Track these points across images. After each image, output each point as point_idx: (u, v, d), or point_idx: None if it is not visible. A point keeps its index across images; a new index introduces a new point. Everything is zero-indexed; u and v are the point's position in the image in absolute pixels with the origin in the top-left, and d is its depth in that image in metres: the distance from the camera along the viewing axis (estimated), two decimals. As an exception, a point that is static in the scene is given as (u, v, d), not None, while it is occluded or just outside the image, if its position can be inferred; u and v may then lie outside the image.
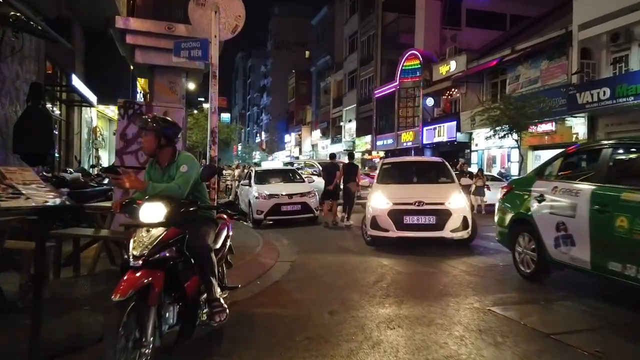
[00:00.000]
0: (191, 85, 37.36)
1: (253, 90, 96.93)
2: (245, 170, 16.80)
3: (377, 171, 10.23)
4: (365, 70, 40.04)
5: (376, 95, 36.68)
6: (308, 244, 9.40)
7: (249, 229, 10.64)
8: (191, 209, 3.53)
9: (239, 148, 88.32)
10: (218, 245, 4.09)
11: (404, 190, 8.95)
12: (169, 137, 3.84)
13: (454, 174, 9.95)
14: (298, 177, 14.12)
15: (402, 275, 6.53)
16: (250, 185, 13.32)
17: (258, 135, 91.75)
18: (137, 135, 6.63)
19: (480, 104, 25.15)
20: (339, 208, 12.70)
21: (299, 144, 60.69)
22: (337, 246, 9.24)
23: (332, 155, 14.01)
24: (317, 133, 53.71)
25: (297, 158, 47.51)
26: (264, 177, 13.81)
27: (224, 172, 19.23)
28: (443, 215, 8.21)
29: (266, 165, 16.54)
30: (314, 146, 54.66)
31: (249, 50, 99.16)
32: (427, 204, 8.25)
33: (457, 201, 8.45)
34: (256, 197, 12.37)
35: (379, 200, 8.70)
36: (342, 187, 12.37)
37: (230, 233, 4.42)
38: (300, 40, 74.21)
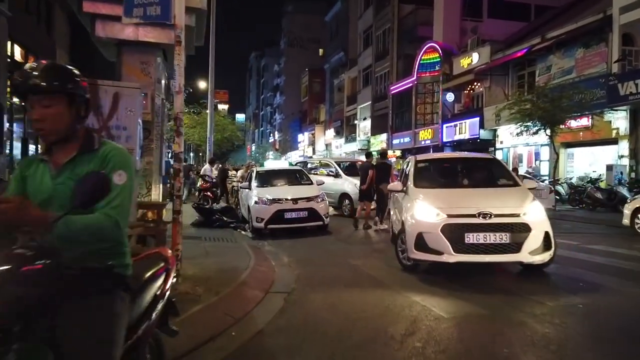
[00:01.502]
0: (202, 84, 36.10)
1: (266, 89, 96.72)
2: (249, 171, 15.05)
3: (409, 170, 7.86)
4: (381, 65, 38.22)
5: (392, 92, 34.84)
6: (314, 263, 7.56)
7: (242, 243, 8.88)
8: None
9: (253, 148, 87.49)
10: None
11: (456, 197, 6.81)
12: (81, 101, 2.11)
13: (514, 174, 7.97)
14: (305, 178, 12.32)
15: (445, 325, 4.45)
16: (250, 188, 11.61)
17: (271, 135, 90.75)
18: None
19: (506, 98, 23.27)
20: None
21: (312, 143, 59.14)
22: (352, 269, 7.10)
23: (368, 154, 12.72)
24: (330, 132, 52.07)
25: (311, 157, 45.85)
26: (265, 178, 12.06)
27: (229, 173, 17.56)
28: (519, 231, 6.04)
29: (270, 165, 14.38)
30: (327, 145, 53.00)
31: (262, 50, 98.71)
32: (496, 215, 6.05)
33: (535, 211, 6.29)
34: (256, 202, 10.65)
35: (425, 210, 6.46)
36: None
37: (171, 281, 2.58)
38: (313, 38, 73.56)
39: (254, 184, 11.68)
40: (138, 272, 2.22)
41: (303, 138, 64.58)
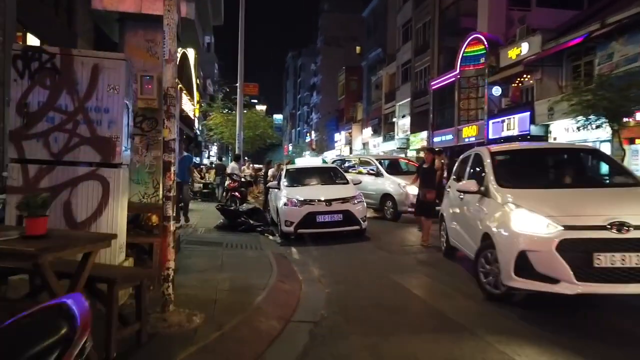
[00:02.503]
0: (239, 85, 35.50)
1: (303, 89, 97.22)
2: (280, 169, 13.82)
3: (486, 164, 6.05)
4: (421, 60, 36.59)
5: (433, 87, 33.18)
6: (349, 279, 6.22)
7: (266, 251, 7.66)
8: None
9: (290, 148, 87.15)
10: None
11: (569, 200, 5.03)
12: None
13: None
14: (340, 177, 11.03)
15: None
16: (279, 187, 10.45)
17: (308, 134, 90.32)
18: (47, 106, 3.86)
19: (560, 90, 21.38)
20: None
21: (349, 142, 57.91)
22: (398, 290, 5.55)
23: (431, 151, 10.49)
24: (368, 131, 50.73)
25: (350, 154, 44.51)
26: (296, 177, 10.86)
27: (244, 170, 16.40)
28: None
29: (301, 162, 12.89)
30: (364, 144, 51.66)
31: (299, 49, 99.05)
32: (637, 227, 4.35)
33: None
34: (285, 204, 9.47)
35: (528, 219, 4.70)
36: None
37: (87, 345, 1.38)
38: (350, 36, 73.29)
39: (283, 183, 10.51)
40: None
41: (340, 137, 63.64)
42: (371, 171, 13.46)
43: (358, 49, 67.92)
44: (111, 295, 3.00)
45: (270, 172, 15.00)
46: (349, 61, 64.72)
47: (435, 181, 9.01)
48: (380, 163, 13.84)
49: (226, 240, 8.52)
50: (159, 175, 6.17)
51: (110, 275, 3.13)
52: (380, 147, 44.77)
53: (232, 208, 10.52)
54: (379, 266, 6.97)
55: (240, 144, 16.12)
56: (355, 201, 9.49)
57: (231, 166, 14.27)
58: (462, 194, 6.29)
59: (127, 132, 4.25)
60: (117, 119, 3.99)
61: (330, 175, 11.15)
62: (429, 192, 8.76)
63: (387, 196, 12.60)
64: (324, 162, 13.86)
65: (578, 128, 16.18)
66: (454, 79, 30.18)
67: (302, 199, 9.36)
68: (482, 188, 5.75)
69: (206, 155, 49.10)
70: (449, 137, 30.90)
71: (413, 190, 11.77)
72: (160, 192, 6.21)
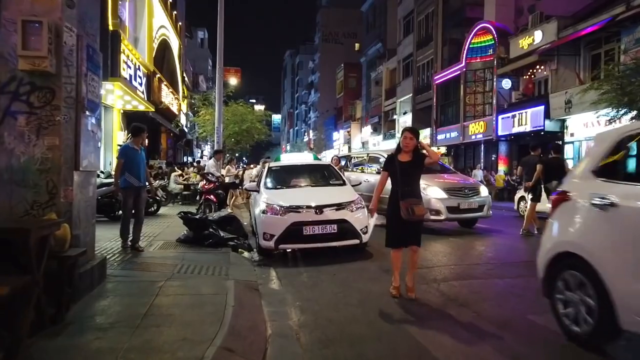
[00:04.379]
0: (232, 81, 33.42)
1: (301, 87, 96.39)
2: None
3: (615, 151, 3.74)
4: (423, 54, 34.59)
5: (436, 82, 31.20)
6: (343, 330, 4.11)
7: (230, 278, 5.50)
8: None
9: (288, 148, 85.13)
10: None
11: None
12: None
13: None
14: (335, 177, 8.91)
15: None
16: (258, 190, 8.36)
17: (306, 134, 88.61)
18: None
19: (580, 81, 19.39)
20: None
21: (348, 141, 56.01)
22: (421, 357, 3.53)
23: (535, 147, 10.67)
24: (367, 129, 48.76)
25: (351, 150, 42.28)
26: (280, 178, 8.75)
27: (229, 169, 14.27)
28: None
29: (287, 158, 10.45)
30: (364, 143, 49.64)
31: (297, 47, 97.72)
32: None
33: None
34: (263, 211, 7.40)
35: None
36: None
37: None
38: (349, 32, 72.51)
39: (263, 185, 8.43)
40: None
41: (338, 136, 61.96)
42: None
43: (357, 45, 66.64)
44: None
45: (254, 171, 12.90)
46: (348, 58, 63.30)
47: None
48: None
49: (182, 262, 6.42)
50: (57, 175, 4.11)
51: None
52: (380, 145, 42.75)
53: (197, 217, 8.39)
54: (387, 305, 4.84)
55: (219, 138, 13.94)
56: (354, 207, 7.40)
57: (208, 164, 12.07)
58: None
59: None
60: None
61: (323, 174, 9.00)
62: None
63: None
64: (316, 158, 11.53)
65: (610, 120, 14.10)
66: (459, 72, 28.25)
67: (286, 205, 7.28)
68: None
69: (199, 155, 46.99)
70: (454, 134, 28.91)
71: (436, 192, 9.73)
72: (62, 202, 4.16)
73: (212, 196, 10.72)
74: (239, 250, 7.65)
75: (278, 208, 7.26)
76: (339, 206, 7.33)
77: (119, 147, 16.30)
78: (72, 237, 4.16)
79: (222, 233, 7.97)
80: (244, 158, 52.69)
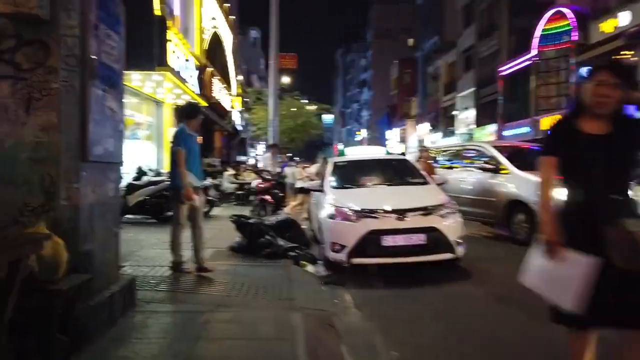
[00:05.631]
0: (285, 79, 32.44)
1: (353, 86, 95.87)
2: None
3: None
4: (487, 44, 32.38)
5: (502, 73, 28.98)
6: None
7: (292, 312, 3.97)
8: None
9: (340, 147, 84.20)
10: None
11: None
12: None
13: None
14: (416, 174, 7.30)
15: None
16: (323, 190, 6.96)
17: (358, 133, 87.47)
18: None
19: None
20: None
21: (402, 140, 53.99)
22: None
23: None
24: (424, 126, 46.74)
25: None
26: (348, 175, 7.28)
27: (295, 170, 12.86)
28: None
29: (353, 153, 8.67)
30: (420, 142, 47.58)
31: (348, 46, 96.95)
32: None
33: None
34: (331, 216, 6.00)
35: None
36: None
37: None
38: (402, 27, 70.77)
39: (328, 183, 7.02)
40: None
41: (392, 134, 59.86)
42: (489, 165, 8.94)
43: (411, 41, 64.67)
44: None
45: (312, 168, 11.51)
46: (401, 54, 61.40)
47: None
48: (498, 151, 9.24)
49: (234, 278, 5.11)
50: (56, 165, 2.85)
51: None
52: (438, 143, 40.77)
53: (251, 221, 7.09)
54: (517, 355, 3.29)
55: (274, 132, 12.45)
56: (445, 212, 5.84)
57: (263, 158, 10.66)
58: None
59: None
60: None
61: (400, 170, 7.44)
62: None
63: (516, 204, 8.11)
64: (388, 153, 9.65)
65: None
66: (529, 62, 25.98)
67: (359, 208, 5.84)
68: None
69: (253, 154, 46.53)
70: (525, 129, 26.59)
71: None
72: (64, 204, 2.89)
73: (267, 196, 9.45)
74: (302, 263, 6.28)
75: (350, 212, 5.83)
76: (426, 210, 5.80)
77: (173, 134, 15.43)
78: (78, 256, 2.89)
79: (281, 241, 6.63)
80: (296, 158, 51.98)
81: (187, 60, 14.25)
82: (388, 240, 5.54)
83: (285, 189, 10.61)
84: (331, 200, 6.27)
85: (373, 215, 5.69)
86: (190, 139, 5.55)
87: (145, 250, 6.71)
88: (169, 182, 9.95)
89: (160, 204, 9.85)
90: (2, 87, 2.82)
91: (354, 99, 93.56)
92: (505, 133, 28.67)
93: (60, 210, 2.94)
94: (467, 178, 9.32)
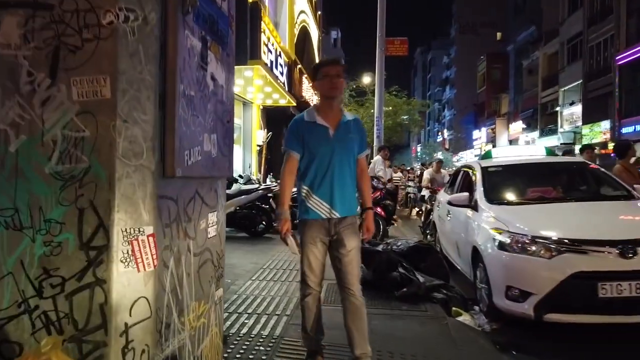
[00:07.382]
0: (366, 79, 30.78)
1: (433, 85, 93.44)
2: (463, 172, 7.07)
3: None
4: (598, 31, 28.85)
5: (620, 62, 25.58)
6: None
7: None
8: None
9: (418, 149, 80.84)
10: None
11: None
12: None
13: None
14: (609, 183, 5.11)
15: None
16: (472, 206, 5.13)
17: (439, 133, 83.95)
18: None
19: None
20: None
21: (491, 140, 50.47)
22: None
23: None
24: (517, 125, 43.22)
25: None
26: (509, 185, 5.37)
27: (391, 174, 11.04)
28: None
29: (505, 154, 6.65)
30: (512, 142, 44.04)
31: (428, 44, 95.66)
32: None
33: None
34: (503, 246, 4.14)
35: None
36: None
37: None
38: (488, 21, 68.49)
39: (481, 196, 5.16)
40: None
41: (480, 134, 56.57)
42: None
43: (499, 35, 61.14)
44: None
45: (425, 174, 9.66)
46: (487, 49, 58.11)
47: None
48: None
49: (374, 345, 3.42)
50: (107, 187, 1.23)
51: None
52: (535, 143, 37.25)
53: (379, 248, 5.38)
54: None
55: (379, 131, 10.45)
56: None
57: (375, 161, 8.87)
58: None
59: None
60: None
61: (584, 180, 5.37)
62: None
63: None
64: (549, 152, 7.00)
65: None
66: (655, 47, 22.50)
67: (555, 236, 3.96)
68: None
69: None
70: (651, 125, 23.13)
71: None
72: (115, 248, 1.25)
73: (378, 208, 7.76)
74: (454, 310, 4.49)
75: (540, 243, 3.97)
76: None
77: (258, 147, 14.05)
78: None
79: (420, 276, 4.88)
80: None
81: (278, 55, 12.90)
82: (606, 289, 3.62)
83: (396, 199, 8.84)
84: (498, 222, 4.43)
85: (581, 249, 3.80)
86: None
87: (241, 282, 5.24)
88: (262, 191, 8.36)
89: (252, 216, 8.47)
90: (8, 24, 1.31)
91: (435, 98, 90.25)
92: (626, 130, 25.17)
93: (112, 287, 1.38)
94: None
